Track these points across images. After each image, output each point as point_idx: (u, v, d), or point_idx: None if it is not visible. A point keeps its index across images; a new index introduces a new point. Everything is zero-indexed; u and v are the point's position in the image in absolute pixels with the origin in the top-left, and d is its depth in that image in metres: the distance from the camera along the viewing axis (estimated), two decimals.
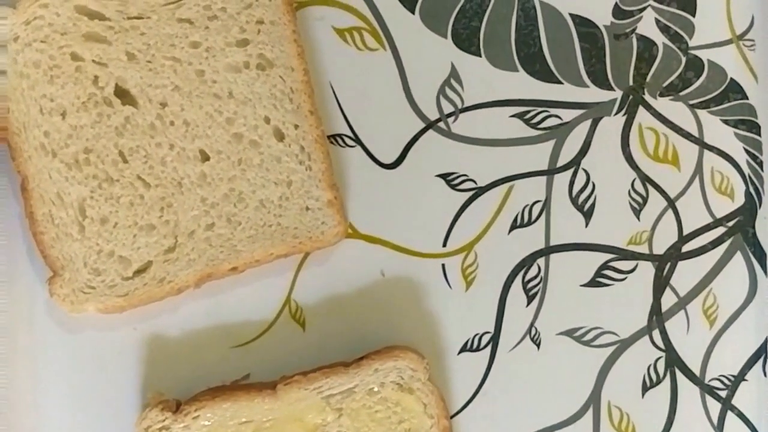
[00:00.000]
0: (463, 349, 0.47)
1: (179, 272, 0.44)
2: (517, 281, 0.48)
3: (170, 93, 0.44)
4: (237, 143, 0.44)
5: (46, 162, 0.43)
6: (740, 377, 0.49)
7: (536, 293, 0.48)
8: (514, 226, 0.48)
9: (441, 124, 0.48)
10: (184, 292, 0.45)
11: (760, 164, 0.49)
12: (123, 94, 0.44)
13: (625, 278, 0.48)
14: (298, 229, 0.44)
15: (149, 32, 0.44)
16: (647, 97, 0.49)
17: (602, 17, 0.49)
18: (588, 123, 0.49)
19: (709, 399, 0.49)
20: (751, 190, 0.49)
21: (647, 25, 0.49)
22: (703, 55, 0.49)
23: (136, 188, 0.44)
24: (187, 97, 0.44)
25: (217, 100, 0.44)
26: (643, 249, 0.48)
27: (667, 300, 0.49)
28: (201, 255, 0.44)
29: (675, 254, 0.49)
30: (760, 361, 0.49)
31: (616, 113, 0.49)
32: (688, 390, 0.48)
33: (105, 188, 0.44)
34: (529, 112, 0.48)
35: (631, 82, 0.49)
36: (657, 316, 0.48)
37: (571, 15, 0.49)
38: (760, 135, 0.49)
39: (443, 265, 0.48)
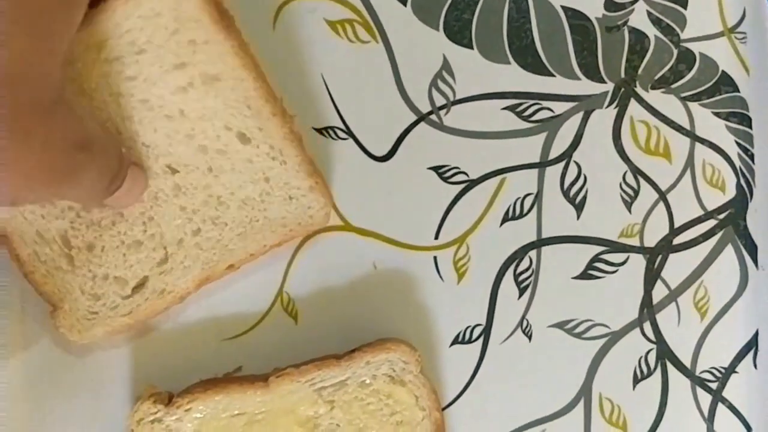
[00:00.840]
0: (454, 342, 0.48)
1: (177, 281, 0.44)
2: (509, 274, 0.48)
3: (121, 122, 0.42)
4: (203, 154, 0.43)
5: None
6: (731, 369, 0.49)
7: (528, 286, 0.48)
8: (506, 219, 0.48)
9: (433, 117, 0.48)
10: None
11: (752, 157, 0.49)
12: None
13: (617, 271, 0.48)
14: (285, 218, 0.44)
15: (79, 78, 0.42)
16: (639, 89, 0.49)
17: (594, 10, 0.49)
18: (580, 115, 0.49)
19: (699, 391, 0.49)
20: (742, 182, 0.49)
21: (639, 18, 0.49)
22: (695, 47, 0.50)
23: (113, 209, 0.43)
24: (139, 124, 0.42)
25: (170, 121, 0.42)
26: (635, 241, 0.49)
27: (658, 292, 0.49)
28: (195, 260, 0.44)
29: (666, 247, 0.49)
30: (751, 353, 0.49)
31: (608, 106, 0.49)
32: (679, 382, 0.49)
33: (83, 216, 0.43)
34: (521, 104, 0.48)
35: (622, 75, 0.49)
36: (648, 309, 0.49)
37: (563, 7, 0.49)
38: (751, 128, 0.49)
39: (435, 258, 0.48)
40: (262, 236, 0.44)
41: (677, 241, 0.49)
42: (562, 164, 0.48)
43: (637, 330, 0.48)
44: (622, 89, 0.49)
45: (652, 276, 0.49)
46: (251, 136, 0.43)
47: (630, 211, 0.49)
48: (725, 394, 0.49)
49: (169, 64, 0.41)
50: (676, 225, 0.49)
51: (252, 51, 0.43)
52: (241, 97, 0.42)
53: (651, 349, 0.48)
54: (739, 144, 0.50)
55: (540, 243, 0.48)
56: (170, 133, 0.42)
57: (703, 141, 0.49)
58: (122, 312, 0.43)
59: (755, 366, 0.49)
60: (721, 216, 0.49)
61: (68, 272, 0.43)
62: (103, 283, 0.43)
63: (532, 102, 0.48)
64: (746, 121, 0.50)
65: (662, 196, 0.49)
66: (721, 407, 0.49)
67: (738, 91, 0.50)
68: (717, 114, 0.50)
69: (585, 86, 0.49)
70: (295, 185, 0.43)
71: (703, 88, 0.49)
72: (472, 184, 0.48)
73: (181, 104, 0.42)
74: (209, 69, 0.42)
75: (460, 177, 0.48)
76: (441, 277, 0.48)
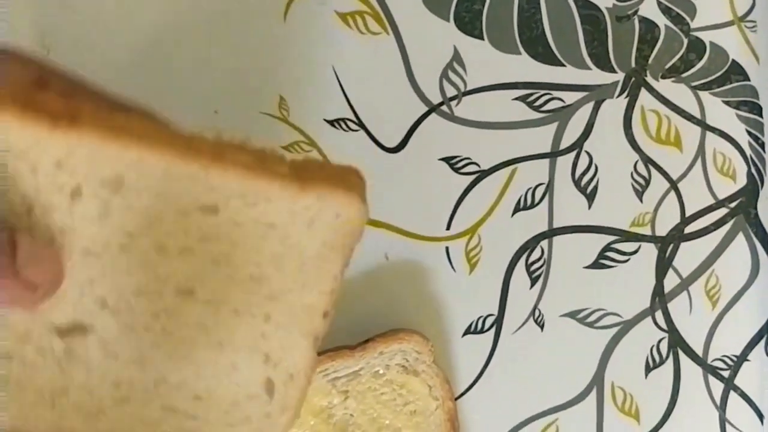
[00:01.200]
0: (467, 332, 0.48)
1: (290, 358, 0.32)
2: (521, 264, 0.48)
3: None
4: (192, 256, 0.31)
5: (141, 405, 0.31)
6: (742, 357, 0.49)
7: (540, 275, 0.48)
8: (517, 209, 0.48)
9: (444, 108, 0.48)
10: None
11: (762, 145, 0.49)
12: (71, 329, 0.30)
13: (628, 260, 0.49)
14: (326, 241, 0.31)
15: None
16: (649, 79, 0.49)
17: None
18: (590, 105, 0.49)
19: (711, 379, 0.49)
20: (753, 171, 0.49)
21: (649, 7, 0.49)
22: (705, 36, 0.50)
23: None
24: (106, 287, 0.30)
25: (124, 250, 0.30)
26: (646, 230, 0.49)
27: (670, 281, 0.49)
28: (290, 338, 0.32)
29: (677, 235, 0.49)
30: (763, 341, 0.49)
31: (619, 95, 0.49)
32: (690, 370, 0.49)
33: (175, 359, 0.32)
34: (531, 94, 0.48)
35: (633, 64, 0.49)
36: (660, 298, 0.49)
37: None
38: (761, 116, 0.49)
39: (447, 249, 0.48)
40: (324, 269, 0.32)
41: (688, 229, 0.49)
42: (573, 154, 0.49)
43: (649, 319, 0.48)
44: (633, 79, 0.49)
45: (663, 265, 0.49)
46: (217, 203, 0.30)
47: (641, 201, 0.49)
48: (737, 382, 0.49)
49: (63, 208, 0.29)
50: (688, 214, 0.49)
51: (145, 121, 0.29)
52: (165, 179, 0.30)
53: (663, 338, 0.49)
54: (749, 132, 0.50)
55: (551, 233, 0.48)
56: (140, 262, 0.31)
57: (713, 130, 0.49)
58: (277, 411, 0.33)
59: (767, 354, 0.49)
60: (732, 204, 0.49)
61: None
62: (243, 406, 0.33)
63: (542, 92, 0.48)
64: (756, 109, 0.50)
65: (673, 185, 0.49)
66: (733, 395, 0.49)
67: (748, 79, 0.50)
68: (727, 103, 0.50)
69: (595, 76, 0.49)
70: (301, 208, 0.31)
71: (713, 77, 0.49)
72: (483, 174, 0.48)
73: (117, 229, 0.30)
74: (105, 174, 0.29)
75: (472, 167, 0.48)
76: (453, 267, 0.48)
